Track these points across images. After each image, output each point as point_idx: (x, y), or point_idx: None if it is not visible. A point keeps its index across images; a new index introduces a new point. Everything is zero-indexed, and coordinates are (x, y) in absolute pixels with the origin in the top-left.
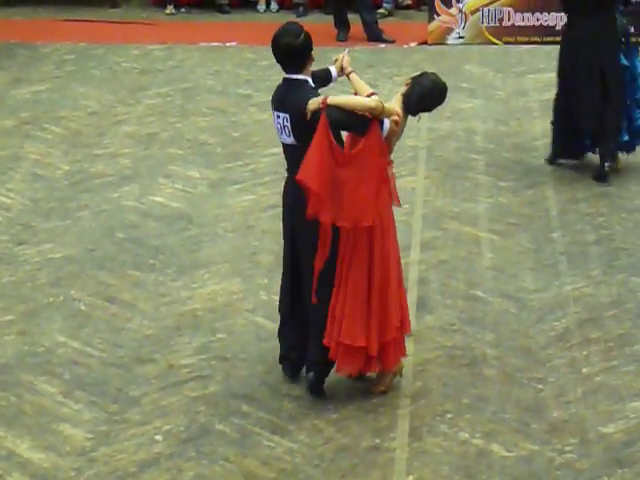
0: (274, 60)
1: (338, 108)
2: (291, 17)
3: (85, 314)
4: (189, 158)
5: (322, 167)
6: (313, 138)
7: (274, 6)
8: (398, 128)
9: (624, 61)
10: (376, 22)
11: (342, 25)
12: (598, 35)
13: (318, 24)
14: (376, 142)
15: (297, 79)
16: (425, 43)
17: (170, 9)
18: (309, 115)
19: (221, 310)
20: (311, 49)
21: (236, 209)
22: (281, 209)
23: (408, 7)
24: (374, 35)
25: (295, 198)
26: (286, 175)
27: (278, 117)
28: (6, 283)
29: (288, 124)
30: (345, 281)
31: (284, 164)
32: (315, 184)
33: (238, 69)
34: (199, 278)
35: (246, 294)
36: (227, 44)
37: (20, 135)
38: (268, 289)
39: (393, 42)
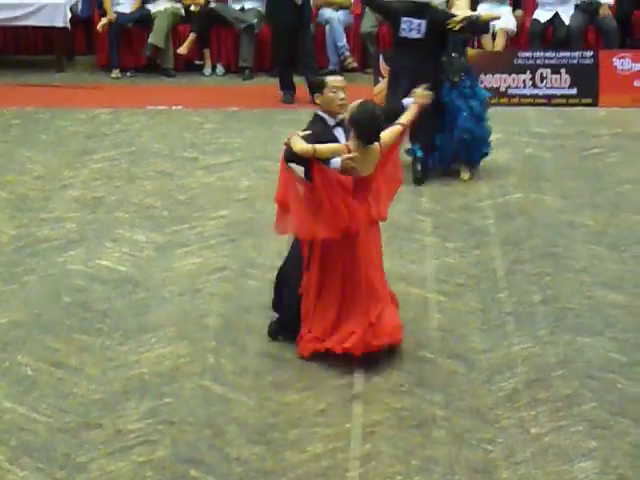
0: (220, 123)
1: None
2: (237, 80)
3: (31, 379)
4: (135, 222)
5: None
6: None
7: (220, 69)
8: (353, 162)
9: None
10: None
11: (288, 87)
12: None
13: (264, 87)
14: (321, 179)
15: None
16: None
17: (116, 73)
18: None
19: (168, 374)
20: None
21: (183, 272)
22: (228, 272)
23: (354, 70)
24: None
25: None
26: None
27: None
28: None
29: None
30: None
31: (231, 227)
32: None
33: (184, 132)
34: (146, 342)
35: (193, 357)
36: (173, 107)
37: None
38: (215, 352)
39: None
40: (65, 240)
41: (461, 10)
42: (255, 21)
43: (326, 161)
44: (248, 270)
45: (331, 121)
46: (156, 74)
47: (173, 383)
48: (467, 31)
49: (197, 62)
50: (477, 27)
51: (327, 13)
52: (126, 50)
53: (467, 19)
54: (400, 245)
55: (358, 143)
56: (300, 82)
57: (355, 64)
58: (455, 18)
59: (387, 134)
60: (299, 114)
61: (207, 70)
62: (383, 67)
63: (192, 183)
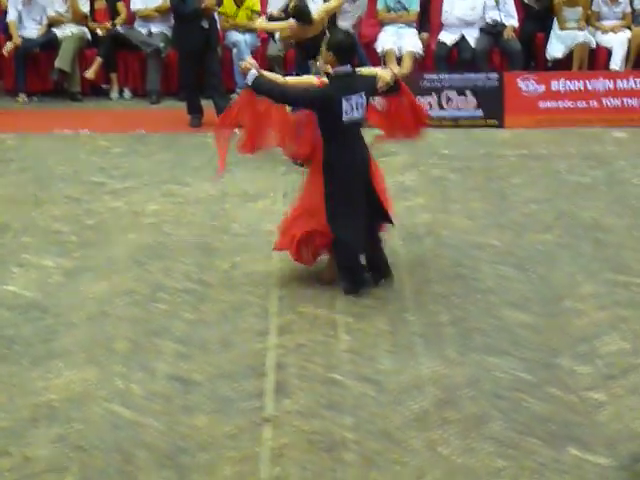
0: (127, 147)
1: None
2: (144, 104)
3: None
4: (43, 247)
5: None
6: None
7: (127, 93)
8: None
9: None
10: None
11: (195, 111)
12: None
13: (171, 110)
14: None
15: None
16: None
17: (22, 98)
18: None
19: (77, 399)
20: None
21: (91, 297)
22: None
23: None
24: None
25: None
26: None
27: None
28: None
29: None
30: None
31: (139, 250)
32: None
33: (91, 156)
34: (55, 368)
35: (102, 383)
36: (80, 132)
37: None
38: (124, 377)
39: None
40: None
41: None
42: (162, 45)
43: None
44: (157, 294)
45: None
46: (63, 98)
47: (82, 408)
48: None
49: (104, 86)
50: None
51: (234, 36)
52: (32, 74)
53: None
54: (308, 268)
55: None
56: (207, 105)
57: None
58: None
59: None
60: (206, 137)
61: (114, 94)
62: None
63: (100, 207)
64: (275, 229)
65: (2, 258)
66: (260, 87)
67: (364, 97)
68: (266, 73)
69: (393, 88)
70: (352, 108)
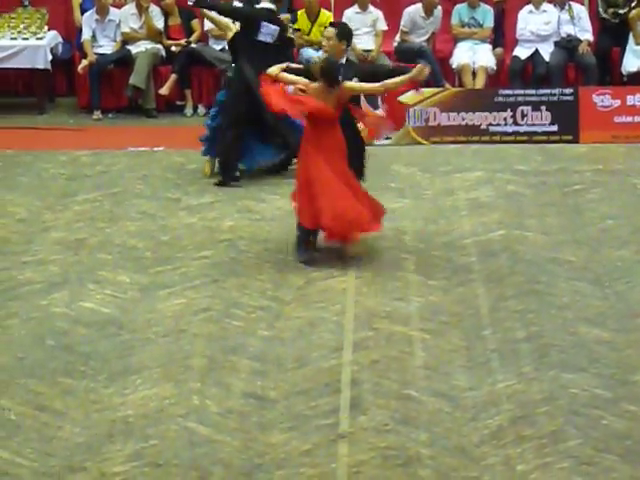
0: (202, 164)
1: None
2: None
3: (15, 423)
4: (119, 263)
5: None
6: None
7: (201, 110)
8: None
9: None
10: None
11: None
12: None
13: None
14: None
15: None
16: None
17: (97, 115)
18: None
19: (153, 416)
20: None
21: (167, 313)
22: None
23: None
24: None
25: None
26: None
27: None
28: None
29: None
30: None
31: (214, 267)
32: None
33: (166, 173)
34: (131, 384)
35: (178, 399)
36: (155, 148)
37: None
38: (200, 393)
39: None
40: (48, 283)
41: None
42: None
43: None
44: (232, 310)
45: None
46: (137, 115)
47: (158, 425)
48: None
49: (178, 103)
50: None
51: (308, 52)
52: (107, 91)
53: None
54: (384, 283)
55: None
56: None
57: None
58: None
59: (363, 85)
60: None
61: (188, 110)
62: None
63: (175, 224)
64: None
65: (79, 275)
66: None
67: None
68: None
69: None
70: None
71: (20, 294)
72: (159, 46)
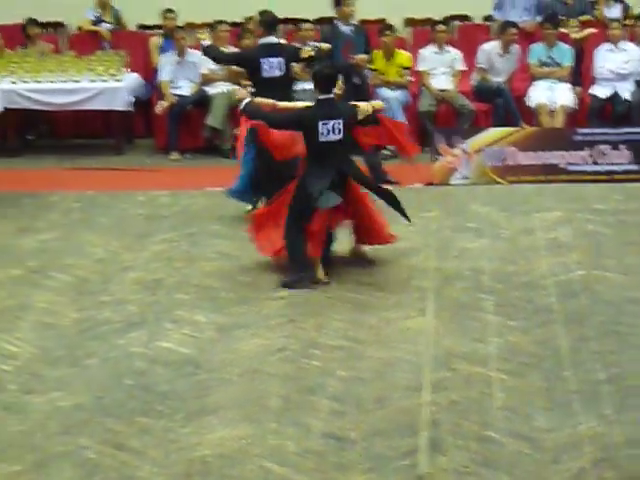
0: None
1: None
2: None
3: (94, 462)
4: (196, 303)
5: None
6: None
7: None
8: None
9: None
10: (380, 164)
11: None
12: None
13: None
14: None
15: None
16: (430, 184)
17: (174, 155)
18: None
19: (231, 456)
20: None
21: (244, 353)
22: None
23: None
24: (379, 176)
25: None
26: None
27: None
28: (15, 432)
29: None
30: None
31: (291, 307)
32: None
33: (243, 213)
34: (208, 423)
35: (256, 439)
36: None
37: (27, 284)
38: (278, 434)
39: (398, 183)
40: (126, 322)
41: None
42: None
43: None
44: (310, 350)
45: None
46: (214, 155)
47: (236, 465)
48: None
49: None
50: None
51: (385, 92)
52: (184, 132)
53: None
54: (462, 323)
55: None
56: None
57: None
58: (304, 49)
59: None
60: None
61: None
62: (442, 147)
63: (251, 264)
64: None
65: (156, 315)
66: (252, 113)
67: (342, 122)
68: (257, 100)
69: (370, 119)
70: (329, 131)
71: (98, 334)
72: (237, 87)
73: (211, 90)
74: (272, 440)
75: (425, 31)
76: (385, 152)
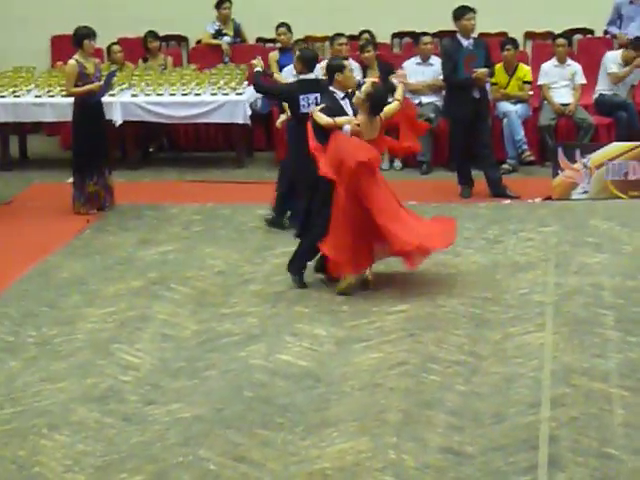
0: None
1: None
2: (414, 175)
3: (214, 474)
4: (315, 316)
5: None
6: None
7: (397, 164)
8: (360, 127)
9: None
10: (500, 178)
11: (466, 182)
12: None
13: (442, 181)
14: (339, 138)
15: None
16: (549, 198)
17: None
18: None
19: (350, 469)
20: None
21: (363, 367)
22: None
23: (532, 163)
24: (498, 191)
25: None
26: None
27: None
28: (136, 443)
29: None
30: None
31: (411, 321)
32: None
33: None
34: (327, 437)
35: (375, 453)
36: None
37: (148, 295)
38: (397, 448)
39: (518, 198)
40: (246, 335)
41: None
42: (433, 115)
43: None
44: (429, 365)
45: (339, 95)
46: None
47: (355, 478)
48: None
49: None
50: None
51: (505, 106)
52: None
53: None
54: (582, 339)
55: (367, 114)
56: (478, 176)
57: (533, 157)
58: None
59: (387, 108)
60: (478, 208)
61: (385, 164)
62: (563, 161)
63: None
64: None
65: (277, 328)
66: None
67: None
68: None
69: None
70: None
71: (219, 346)
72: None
73: None
74: (391, 454)
75: (545, 45)
76: (505, 166)
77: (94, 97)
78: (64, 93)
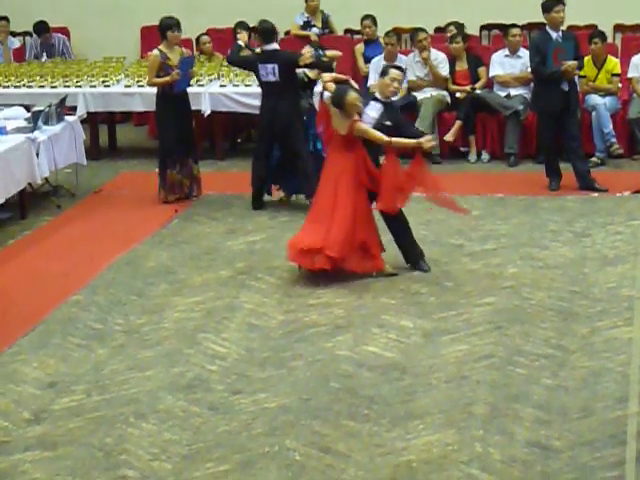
0: (486, 210)
1: None
2: (502, 167)
3: (300, 464)
4: (402, 308)
5: None
6: None
7: (485, 156)
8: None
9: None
10: (588, 171)
11: (554, 174)
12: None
13: (530, 173)
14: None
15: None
16: (638, 192)
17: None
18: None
19: (436, 462)
20: None
21: (449, 359)
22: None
23: (620, 156)
24: (587, 184)
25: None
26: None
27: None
28: (222, 432)
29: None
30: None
31: (498, 314)
32: None
33: (450, 219)
34: (413, 429)
35: (461, 445)
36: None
37: (235, 285)
38: (483, 441)
39: (606, 191)
40: (333, 325)
41: None
42: (521, 107)
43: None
44: (515, 358)
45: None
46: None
47: (441, 471)
48: (314, 66)
49: (462, 149)
50: (322, 65)
51: (593, 99)
52: None
53: (314, 56)
54: None
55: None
56: (566, 169)
57: (621, 150)
58: (304, 55)
59: (370, 131)
60: (566, 201)
61: (472, 157)
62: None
63: (458, 270)
64: None
65: (363, 319)
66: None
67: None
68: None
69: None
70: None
71: (306, 336)
72: (444, 92)
73: (420, 95)
74: (477, 447)
75: (635, 37)
76: (593, 159)
77: (176, 88)
78: (144, 83)
